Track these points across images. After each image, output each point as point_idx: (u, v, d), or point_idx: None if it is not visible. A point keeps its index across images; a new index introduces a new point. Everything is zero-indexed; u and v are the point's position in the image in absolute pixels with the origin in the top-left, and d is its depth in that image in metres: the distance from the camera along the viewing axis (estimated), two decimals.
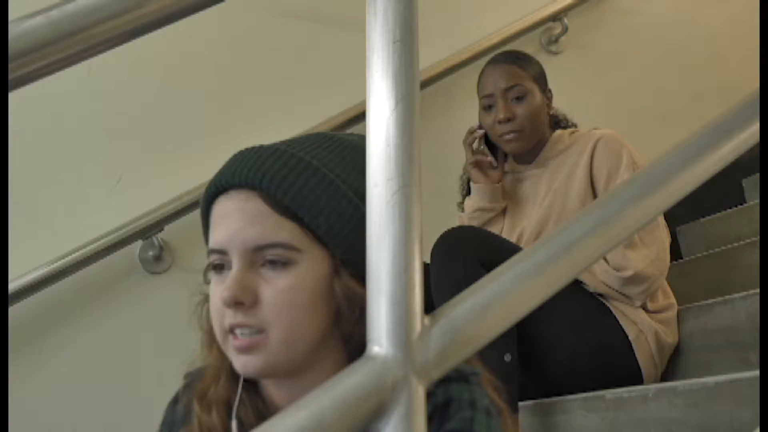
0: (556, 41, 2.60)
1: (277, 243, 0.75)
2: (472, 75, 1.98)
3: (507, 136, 1.79)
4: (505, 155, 1.89)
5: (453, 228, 1.67)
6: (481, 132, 1.85)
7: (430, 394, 0.74)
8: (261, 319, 0.75)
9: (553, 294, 0.58)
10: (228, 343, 0.77)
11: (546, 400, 1.64)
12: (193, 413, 0.83)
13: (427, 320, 0.52)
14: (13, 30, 0.59)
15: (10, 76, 0.59)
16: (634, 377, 1.64)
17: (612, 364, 1.64)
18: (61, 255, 1.92)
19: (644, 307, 1.68)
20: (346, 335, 0.77)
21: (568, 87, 2.11)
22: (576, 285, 1.65)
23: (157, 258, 2.05)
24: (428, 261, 1.61)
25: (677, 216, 2.50)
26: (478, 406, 0.75)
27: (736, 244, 2.07)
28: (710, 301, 1.68)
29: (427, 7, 1.67)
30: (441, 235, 1.63)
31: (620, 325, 1.64)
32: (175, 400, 0.90)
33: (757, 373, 1.19)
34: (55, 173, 2.01)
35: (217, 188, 0.79)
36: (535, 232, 1.77)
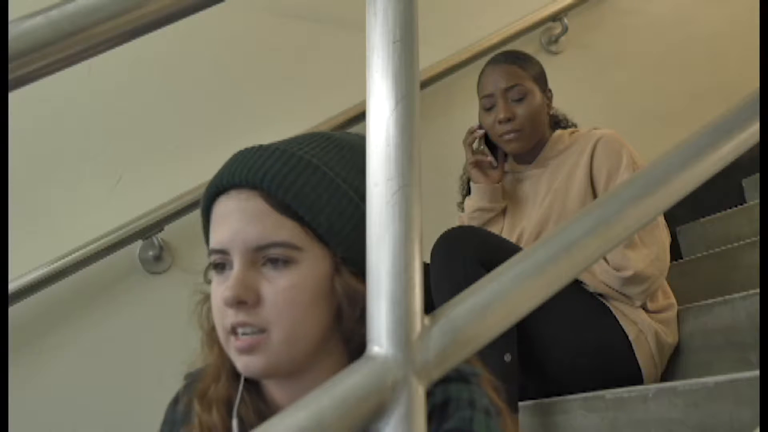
0: (556, 41, 2.60)
1: (278, 242, 0.75)
2: (472, 75, 1.98)
3: (507, 136, 1.79)
4: (505, 155, 1.89)
5: (453, 228, 1.67)
6: (481, 132, 1.85)
7: (429, 394, 0.75)
8: (263, 319, 0.75)
9: (553, 294, 0.58)
10: (230, 344, 0.77)
11: (546, 400, 1.64)
12: (194, 413, 0.83)
13: (427, 320, 0.52)
14: (13, 30, 0.59)
15: (10, 76, 0.59)
16: (634, 377, 1.64)
17: (612, 364, 1.64)
18: (61, 255, 1.91)
19: (644, 307, 1.68)
20: (347, 334, 0.77)
21: (568, 87, 2.11)
22: (576, 285, 1.65)
23: (157, 258, 2.05)
24: (428, 261, 1.61)
25: (677, 216, 2.50)
26: (477, 405, 0.75)
27: (736, 244, 2.07)
28: (710, 301, 1.68)
29: (427, 7, 1.67)
30: (441, 235, 1.63)
31: (620, 325, 1.64)
32: (175, 400, 0.91)
33: (757, 373, 1.19)
34: (55, 173, 2.01)
35: (217, 188, 0.79)
36: (535, 232, 1.77)
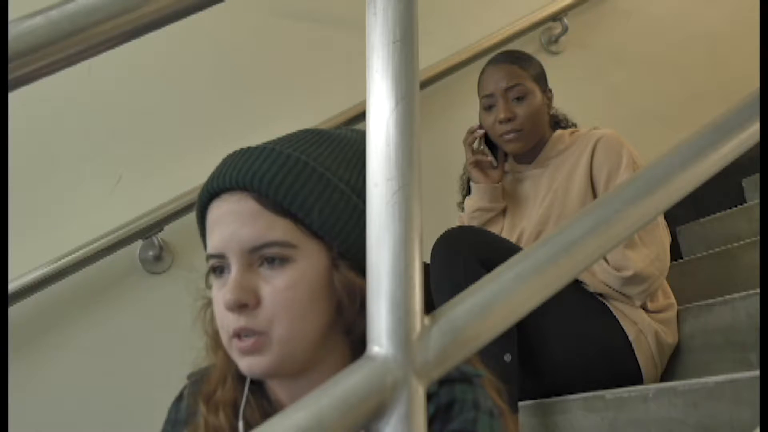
0: (556, 41, 2.60)
1: (272, 241, 0.75)
2: (472, 75, 1.98)
3: (507, 136, 1.79)
4: (505, 155, 1.89)
5: (453, 228, 1.67)
6: (481, 132, 1.85)
7: (433, 395, 0.75)
8: (264, 320, 0.75)
9: (553, 294, 0.58)
10: (233, 346, 0.77)
11: (546, 400, 1.64)
12: (198, 413, 0.84)
13: (427, 320, 0.52)
14: (13, 30, 0.59)
15: (10, 76, 0.59)
16: (634, 377, 1.64)
17: (612, 364, 1.64)
18: (61, 255, 1.92)
19: (644, 307, 1.68)
20: (349, 329, 0.78)
21: (568, 87, 2.11)
22: (576, 285, 1.65)
23: (157, 258, 2.06)
24: (428, 261, 1.61)
25: (677, 216, 2.50)
26: (481, 407, 0.76)
27: (736, 244, 2.07)
28: (710, 301, 1.68)
29: (428, 7, 1.68)
30: (441, 235, 1.63)
31: (620, 325, 1.64)
32: (179, 399, 0.91)
33: (757, 373, 1.19)
34: (55, 173, 2.01)
35: (209, 193, 0.79)
36: (535, 232, 1.77)
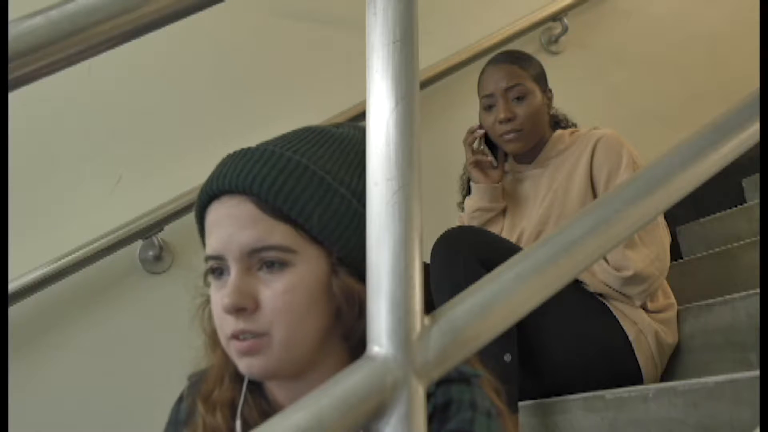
0: (556, 41, 2.60)
1: (271, 246, 0.75)
2: (472, 75, 1.98)
3: (507, 136, 1.79)
4: (505, 155, 1.89)
5: (453, 228, 1.67)
6: (481, 132, 1.85)
7: (430, 395, 0.75)
8: (262, 323, 0.75)
9: (553, 294, 0.58)
10: (231, 347, 0.77)
11: (546, 400, 1.64)
12: (197, 413, 0.84)
13: (427, 320, 0.52)
14: (13, 30, 0.59)
15: (10, 76, 0.59)
16: (634, 377, 1.64)
17: (612, 364, 1.64)
18: (61, 255, 1.92)
19: (644, 307, 1.68)
20: (347, 333, 0.77)
21: (568, 87, 2.11)
22: (576, 285, 1.65)
23: (157, 258, 2.06)
24: (428, 261, 1.61)
25: (677, 216, 2.50)
26: (478, 407, 0.76)
27: (736, 244, 2.07)
28: (710, 301, 1.68)
29: (428, 7, 1.68)
30: (441, 235, 1.63)
31: (620, 325, 1.64)
32: (180, 400, 0.91)
33: (757, 373, 1.19)
34: (55, 173, 2.01)
35: (209, 195, 0.79)
36: (535, 232, 1.77)
